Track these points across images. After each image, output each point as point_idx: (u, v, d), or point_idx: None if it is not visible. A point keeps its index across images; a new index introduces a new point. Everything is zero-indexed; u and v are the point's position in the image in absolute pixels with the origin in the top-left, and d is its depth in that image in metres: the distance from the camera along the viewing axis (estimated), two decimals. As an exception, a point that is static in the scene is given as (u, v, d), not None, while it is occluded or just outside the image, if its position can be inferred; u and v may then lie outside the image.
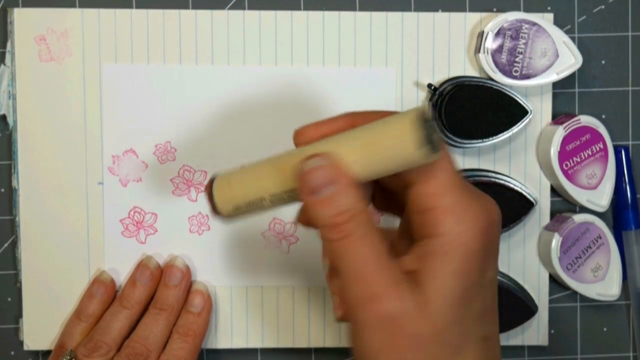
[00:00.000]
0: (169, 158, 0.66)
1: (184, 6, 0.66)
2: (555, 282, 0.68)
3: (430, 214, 0.45)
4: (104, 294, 0.65)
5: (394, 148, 0.45)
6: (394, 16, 0.66)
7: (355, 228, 0.45)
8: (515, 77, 0.65)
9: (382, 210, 0.52)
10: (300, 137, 0.49)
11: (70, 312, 0.66)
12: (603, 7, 0.67)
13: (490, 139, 0.65)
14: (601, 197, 0.66)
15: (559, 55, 0.65)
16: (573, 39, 0.67)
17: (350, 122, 0.48)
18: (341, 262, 0.45)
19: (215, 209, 0.51)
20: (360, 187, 0.46)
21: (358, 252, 0.45)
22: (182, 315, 0.64)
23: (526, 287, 0.67)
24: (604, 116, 0.68)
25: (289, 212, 0.66)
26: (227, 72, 0.66)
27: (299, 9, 0.66)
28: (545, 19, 0.65)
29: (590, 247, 0.66)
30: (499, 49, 0.65)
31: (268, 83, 0.66)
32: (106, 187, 0.66)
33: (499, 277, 0.66)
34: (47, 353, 0.67)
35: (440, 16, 0.66)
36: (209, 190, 0.51)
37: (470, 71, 0.66)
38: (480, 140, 0.65)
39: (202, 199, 0.66)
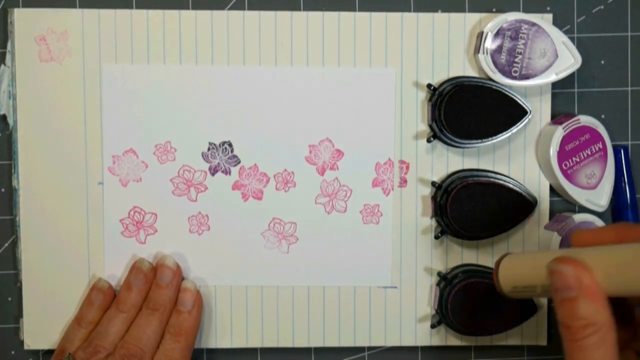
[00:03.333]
0: (169, 158, 0.66)
1: (184, 6, 0.66)
2: (554, 282, 0.68)
3: None
4: (103, 301, 0.65)
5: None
6: (394, 16, 0.66)
7: (589, 338, 0.46)
8: (514, 78, 0.65)
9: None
10: (576, 239, 0.52)
11: (70, 312, 0.66)
12: (602, 7, 0.68)
13: (490, 139, 0.65)
14: (600, 197, 0.66)
15: (558, 55, 0.65)
16: (572, 39, 0.67)
17: (620, 235, 0.50)
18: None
19: (497, 285, 0.57)
20: (606, 301, 0.47)
21: None
22: (173, 314, 0.65)
23: (525, 287, 0.67)
24: (603, 116, 0.68)
25: (289, 211, 0.66)
26: (227, 73, 0.66)
27: (298, 9, 0.66)
28: (544, 20, 0.65)
29: (589, 247, 0.66)
30: (499, 50, 0.65)
31: (268, 83, 0.66)
32: (106, 187, 0.66)
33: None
34: (47, 353, 0.67)
35: (440, 16, 0.66)
36: (497, 267, 0.57)
37: (470, 71, 0.66)
38: (479, 141, 0.65)
39: (202, 199, 0.66)
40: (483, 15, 0.66)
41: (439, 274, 0.66)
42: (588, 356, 0.46)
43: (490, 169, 0.67)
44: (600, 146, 0.66)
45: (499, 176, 0.66)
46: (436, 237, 0.66)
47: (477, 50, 0.65)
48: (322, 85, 0.66)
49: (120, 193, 0.66)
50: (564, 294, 0.48)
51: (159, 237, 0.66)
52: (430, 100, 0.66)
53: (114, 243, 0.66)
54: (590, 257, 0.49)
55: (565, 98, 0.68)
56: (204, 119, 0.66)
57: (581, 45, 0.67)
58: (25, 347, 0.67)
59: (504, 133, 0.65)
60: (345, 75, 0.66)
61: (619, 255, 0.49)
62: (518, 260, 0.56)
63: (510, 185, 0.65)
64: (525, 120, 0.65)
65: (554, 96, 0.67)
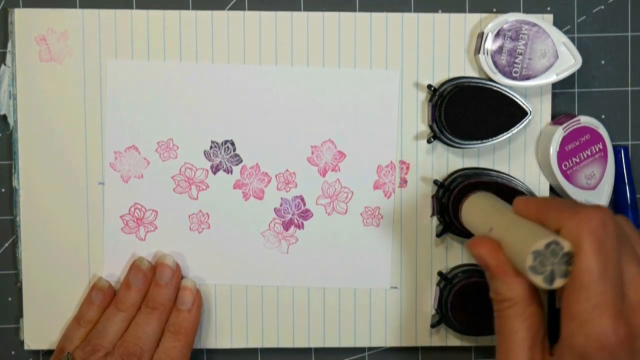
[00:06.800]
0: (171, 155, 0.66)
1: (184, 7, 0.66)
2: (554, 282, 0.68)
3: (562, 314, 0.47)
4: (103, 300, 0.65)
5: (521, 263, 0.47)
6: (394, 17, 0.66)
7: (506, 311, 0.49)
8: (515, 78, 0.65)
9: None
10: (514, 206, 0.53)
11: (70, 312, 0.66)
12: (602, 7, 0.68)
13: (490, 139, 0.65)
14: (600, 198, 0.66)
15: (558, 56, 0.65)
16: (573, 39, 0.67)
17: (539, 212, 0.50)
18: (496, 330, 0.49)
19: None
20: (519, 277, 0.48)
21: (508, 334, 0.48)
22: (173, 313, 0.65)
23: (526, 287, 0.67)
24: (603, 116, 0.68)
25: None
26: (230, 71, 0.66)
27: (299, 9, 0.66)
28: (545, 20, 0.65)
29: (590, 247, 0.66)
30: (499, 50, 0.65)
31: (271, 83, 0.66)
32: (107, 182, 0.66)
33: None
34: (47, 353, 0.67)
35: (440, 17, 0.66)
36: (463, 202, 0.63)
37: (470, 72, 0.66)
38: (480, 141, 0.65)
39: (203, 197, 0.66)
40: (483, 15, 0.66)
41: (439, 273, 0.66)
42: (506, 326, 0.48)
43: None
44: (601, 147, 0.66)
45: (501, 175, 0.66)
46: (438, 236, 0.66)
47: (477, 50, 0.65)
48: (326, 86, 0.66)
49: (121, 189, 0.66)
50: (486, 271, 0.50)
51: (159, 234, 0.66)
52: (430, 100, 0.66)
53: (113, 240, 0.66)
54: (506, 233, 0.50)
55: (565, 98, 0.68)
56: (207, 117, 0.66)
57: (581, 46, 0.67)
58: (25, 347, 0.66)
59: (504, 134, 0.65)
60: (348, 77, 0.66)
61: (513, 234, 0.50)
62: (479, 201, 0.59)
63: (512, 185, 0.65)
64: (525, 121, 0.65)
65: (554, 96, 0.67)
